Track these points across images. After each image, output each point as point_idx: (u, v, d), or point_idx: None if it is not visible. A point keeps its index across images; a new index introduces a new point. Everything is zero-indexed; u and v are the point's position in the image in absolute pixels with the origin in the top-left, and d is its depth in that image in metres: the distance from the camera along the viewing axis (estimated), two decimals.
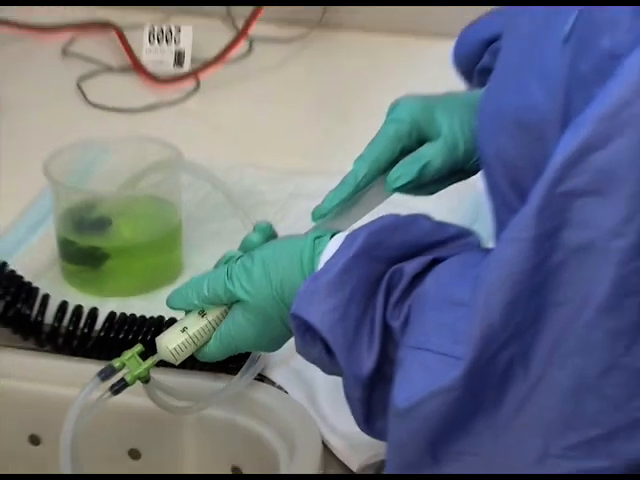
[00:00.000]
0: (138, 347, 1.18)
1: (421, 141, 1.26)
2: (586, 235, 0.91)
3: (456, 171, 1.28)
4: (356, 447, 1.22)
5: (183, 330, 1.17)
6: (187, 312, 1.20)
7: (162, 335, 1.18)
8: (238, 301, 1.15)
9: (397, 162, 1.25)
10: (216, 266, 1.20)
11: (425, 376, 1.00)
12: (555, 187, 0.91)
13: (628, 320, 0.92)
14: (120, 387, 1.16)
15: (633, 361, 0.92)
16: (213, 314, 1.18)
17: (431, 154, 1.24)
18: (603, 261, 0.91)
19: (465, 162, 1.28)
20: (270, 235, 1.22)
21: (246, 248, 1.20)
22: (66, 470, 1.15)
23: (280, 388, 1.29)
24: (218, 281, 1.16)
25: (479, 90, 1.30)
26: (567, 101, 0.97)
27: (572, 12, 0.97)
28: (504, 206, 1.08)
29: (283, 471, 1.21)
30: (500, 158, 1.09)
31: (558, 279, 0.94)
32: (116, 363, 1.17)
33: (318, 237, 1.14)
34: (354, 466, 1.21)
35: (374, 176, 1.25)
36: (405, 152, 1.25)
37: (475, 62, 1.37)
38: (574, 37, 0.96)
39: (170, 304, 1.20)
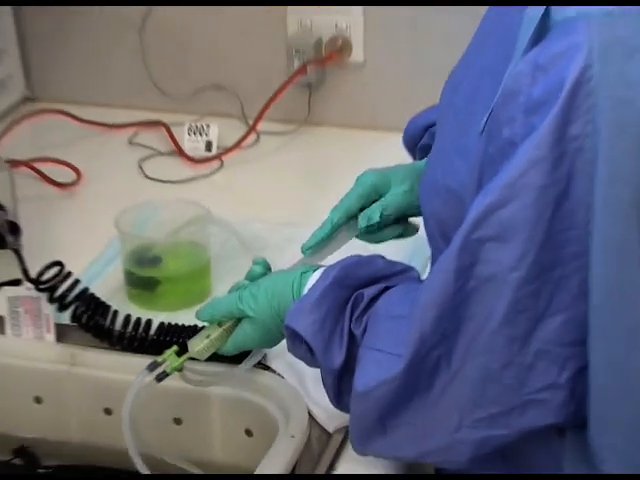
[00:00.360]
0: (174, 348, 1.20)
1: (377, 200, 1.26)
2: (491, 269, 0.92)
3: (401, 218, 1.28)
4: (332, 416, 1.22)
5: (207, 337, 1.20)
6: (210, 323, 1.21)
7: (192, 340, 1.21)
8: (246, 316, 1.17)
9: (358, 213, 1.26)
10: (230, 291, 1.22)
11: (376, 369, 1.01)
12: (470, 235, 0.92)
13: (521, 330, 0.92)
14: (162, 376, 1.18)
15: (524, 360, 0.93)
16: (227, 324, 1.19)
17: (387, 202, 1.25)
18: (503, 288, 0.92)
19: (408, 210, 1.27)
20: (266, 266, 1.23)
21: (251, 277, 1.21)
22: (127, 433, 1.16)
23: (279, 374, 1.28)
24: (232, 302, 1.18)
25: (419, 162, 1.32)
26: (480, 175, 0.96)
27: (485, 112, 0.95)
28: (436, 250, 1.07)
29: (282, 433, 1.20)
30: (434, 215, 1.09)
31: (471, 300, 0.94)
32: (159, 359, 1.19)
33: (304, 272, 1.15)
34: (330, 429, 1.22)
35: (343, 222, 1.25)
36: (364, 208, 1.26)
37: (417, 142, 1.35)
38: (486, 130, 0.95)
39: (199, 317, 1.22)
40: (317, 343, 1.07)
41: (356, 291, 1.09)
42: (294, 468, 1.17)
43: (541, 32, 0.91)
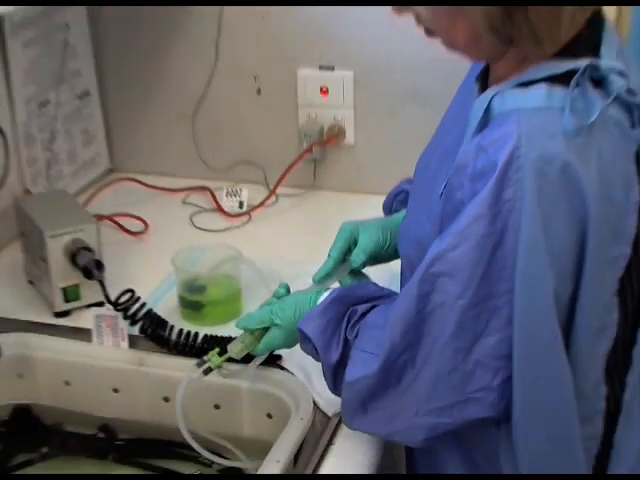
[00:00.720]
0: (216, 349, 1.20)
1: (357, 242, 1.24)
2: (443, 297, 0.92)
3: (377, 258, 1.25)
4: (330, 404, 1.21)
5: (242, 341, 1.19)
6: (245, 331, 1.20)
7: (230, 344, 1.20)
8: (275, 324, 1.16)
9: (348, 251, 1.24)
10: (260, 308, 1.20)
11: (361, 365, 1.00)
12: (428, 269, 0.92)
13: (464, 345, 0.91)
14: (208, 371, 1.19)
15: (466, 367, 0.92)
16: (257, 332, 1.18)
17: (365, 249, 1.22)
18: (451, 312, 0.91)
19: (381, 250, 1.24)
20: (287, 288, 1.22)
21: (277, 296, 1.21)
22: (179, 415, 1.17)
23: (291, 373, 1.27)
24: (265, 314, 1.17)
25: (386, 218, 1.30)
26: (440, 227, 0.95)
27: (443, 181, 0.95)
28: (406, 281, 1.04)
29: (293, 416, 1.20)
30: (406, 257, 1.09)
31: (428, 320, 0.93)
32: (205, 358, 1.20)
33: (318, 292, 1.15)
34: (330, 413, 1.21)
35: (340, 258, 1.23)
36: (351, 248, 1.24)
37: (391, 206, 1.34)
38: (444, 193, 0.94)
39: (238, 326, 1.21)
40: (320, 343, 1.06)
41: (352, 307, 1.08)
42: (302, 442, 1.16)
43: (484, 122, 0.91)
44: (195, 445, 1.18)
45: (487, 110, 0.91)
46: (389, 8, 0.97)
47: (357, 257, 1.23)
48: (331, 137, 1.82)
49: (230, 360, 1.21)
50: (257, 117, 1.87)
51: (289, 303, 1.16)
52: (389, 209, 1.34)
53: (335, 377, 1.07)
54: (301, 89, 1.81)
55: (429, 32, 0.97)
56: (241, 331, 1.22)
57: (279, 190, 1.84)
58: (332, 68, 1.78)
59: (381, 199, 1.36)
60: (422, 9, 0.93)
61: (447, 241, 0.90)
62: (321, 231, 1.66)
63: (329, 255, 1.24)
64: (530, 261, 0.87)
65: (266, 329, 1.18)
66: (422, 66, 1.68)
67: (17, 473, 1.32)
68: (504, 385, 0.92)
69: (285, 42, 1.78)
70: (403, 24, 0.98)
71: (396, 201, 1.32)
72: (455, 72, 1.11)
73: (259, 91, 1.85)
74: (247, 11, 1.77)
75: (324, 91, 1.80)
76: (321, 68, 1.78)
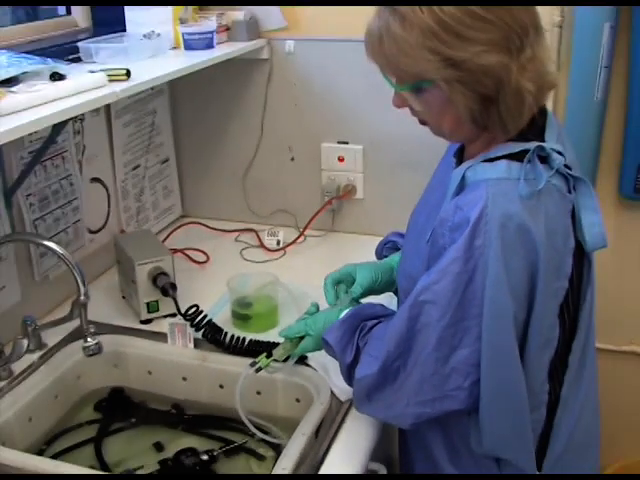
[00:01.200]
0: (264, 353, 1.20)
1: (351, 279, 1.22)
2: (428, 319, 0.91)
3: (371, 291, 1.22)
4: (343, 393, 1.19)
5: (284, 347, 1.18)
6: (285, 339, 1.19)
7: (275, 349, 1.19)
8: (308, 334, 1.15)
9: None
10: (297, 320, 1.19)
11: (366, 366, 1.00)
12: (417, 298, 0.91)
13: (443, 354, 0.91)
14: (258, 370, 1.19)
15: (444, 371, 0.91)
16: (295, 340, 1.17)
17: (360, 283, 1.20)
18: (434, 331, 0.90)
19: (374, 285, 1.22)
20: (317, 307, 1.20)
21: (309, 313, 1.19)
22: (238, 401, 1.15)
23: (314, 369, 1.26)
24: (301, 327, 1.16)
25: (380, 262, 1.26)
26: (427, 266, 0.93)
27: (429, 231, 0.94)
28: (401, 305, 1.01)
29: (315, 401, 1.18)
30: (403, 289, 1.07)
31: (417, 336, 0.92)
32: (257, 359, 1.19)
33: (340, 310, 1.12)
34: (343, 399, 1.19)
35: (332, 287, 1.21)
36: (339, 282, 1.22)
37: (381, 252, 1.31)
38: (430, 241, 0.93)
39: (281, 335, 1.19)
40: (337, 348, 1.06)
41: (363, 322, 1.07)
42: (322, 421, 1.16)
43: (460, 187, 0.92)
44: (247, 421, 1.17)
45: (462, 179, 0.92)
46: (391, 100, 0.97)
47: (355, 289, 1.21)
48: (346, 193, 1.82)
49: (275, 361, 1.21)
50: (291, 178, 1.88)
51: (319, 318, 1.14)
52: (380, 254, 1.32)
53: (349, 374, 1.06)
54: (324, 157, 1.82)
55: (421, 121, 0.99)
56: (280, 338, 1.21)
57: (307, 232, 1.83)
58: (347, 142, 1.78)
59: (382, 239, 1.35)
60: (417, 104, 0.93)
61: (432, 277, 0.90)
62: (338, 263, 1.63)
63: (325, 283, 1.22)
64: (495, 292, 0.86)
65: (301, 338, 1.16)
66: (414, 142, 1.68)
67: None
68: (472, 386, 0.91)
69: (312, 123, 1.79)
70: (400, 112, 0.99)
71: (385, 249, 1.30)
72: (438, 147, 1.12)
73: (293, 159, 1.85)
74: (284, 99, 1.79)
75: (341, 159, 1.80)
76: (339, 142, 1.79)
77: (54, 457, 1.22)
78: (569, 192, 0.91)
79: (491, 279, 0.86)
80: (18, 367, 1.28)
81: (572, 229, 0.91)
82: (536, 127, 0.94)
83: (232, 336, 1.35)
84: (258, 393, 1.32)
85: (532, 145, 0.89)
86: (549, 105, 1.55)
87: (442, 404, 0.93)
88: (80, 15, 1.69)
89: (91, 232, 1.63)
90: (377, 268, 1.23)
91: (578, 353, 0.98)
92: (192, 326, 1.36)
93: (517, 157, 0.90)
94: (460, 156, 1.02)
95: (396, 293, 1.23)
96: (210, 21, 1.59)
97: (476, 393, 0.91)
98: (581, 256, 0.95)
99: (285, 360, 1.21)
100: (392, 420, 1.01)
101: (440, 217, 0.91)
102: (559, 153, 0.90)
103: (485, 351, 0.89)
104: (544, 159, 0.90)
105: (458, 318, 0.89)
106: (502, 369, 0.90)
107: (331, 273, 1.23)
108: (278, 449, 1.21)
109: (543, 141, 0.92)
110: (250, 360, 1.22)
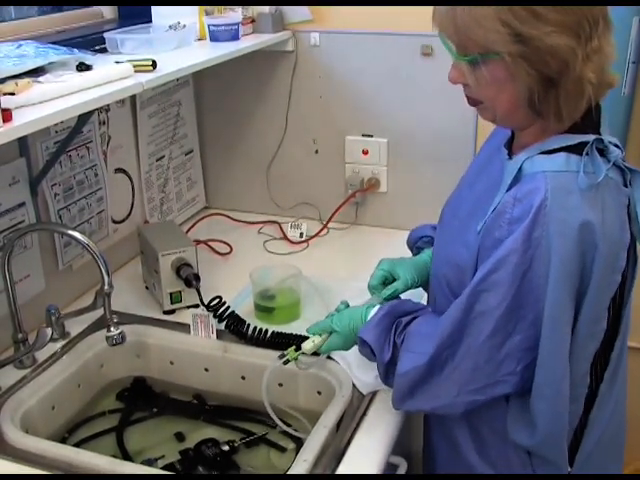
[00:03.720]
0: (293, 347, 1.17)
1: (393, 278, 1.21)
2: (483, 307, 0.90)
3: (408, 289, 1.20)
4: (365, 386, 1.20)
5: (312, 341, 1.16)
6: (314, 334, 1.17)
7: (303, 343, 1.17)
8: (335, 331, 1.13)
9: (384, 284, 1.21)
10: (326, 317, 1.17)
11: (409, 361, 0.99)
12: (476, 287, 0.91)
13: (497, 342, 0.91)
14: (286, 362, 1.17)
15: (497, 358, 0.91)
16: (324, 336, 1.15)
17: (396, 286, 1.18)
18: (489, 318, 0.90)
19: (412, 286, 1.20)
20: (346, 304, 1.17)
21: (338, 309, 1.16)
22: (264, 392, 1.15)
23: (336, 362, 1.25)
24: (328, 323, 1.14)
25: (418, 257, 1.24)
26: (477, 256, 0.94)
27: (480, 221, 0.93)
28: (444, 297, 1.02)
29: (337, 393, 1.18)
30: (442, 276, 1.04)
31: (471, 324, 0.92)
32: (285, 352, 1.17)
33: (368, 307, 1.11)
34: (364, 392, 1.19)
35: (376, 288, 1.20)
36: (384, 282, 1.21)
37: (413, 245, 1.30)
38: (482, 231, 0.93)
39: (309, 331, 1.17)
40: (376, 346, 1.05)
41: (397, 319, 1.06)
42: (343, 413, 1.15)
43: (517, 179, 0.91)
44: (272, 413, 1.16)
45: (519, 171, 0.91)
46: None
47: (399, 286, 1.19)
48: (369, 186, 1.81)
49: (304, 354, 1.19)
50: (315, 170, 1.87)
51: (345, 315, 1.13)
52: (413, 245, 1.31)
53: (387, 371, 1.05)
54: (348, 150, 1.81)
55: (473, 102, 0.95)
56: (307, 332, 1.20)
57: (330, 224, 1.83)
58: (371, 135, 1.78)
59: (405, 233, 1.33)
60: (474, 79, 0.90)
61: (489, 267, 0.90)
62: (361, 256, 1.67)
63: (369, 285, 1.21)
64: (554, 285, 0.87)
65: (329, 334, 1.15)
66: (438, 136, 1.67)
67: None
68: (524, 370, 0.91)
69: (337, 116, 1.79)
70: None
71: (421, 241, 1.29)
72: (463, 141, 1.10)
73: (317, 151, 1.85)
74: (309, 92, 1.78)
75: (365, 152, 1.79)
76: (363, 135, 1.78)
77: (76, 445, 1.22)
78: (625, 186, 0.90)
79: (552, 271, 0.86)
80: (42, 356, 1.28)
81: (628, 223, 0.91)
82: (591, 121, 0.92)
83: (254, 328, 1.34)
84: (280, 385, 1.31)
85: (590, 137, 0.88)
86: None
87: (494, 390, 0.93)
88: (106, 6, 1.69)
89: (115, 222, 1.64)
90: (416, 267, 1.21)
91: (617, 351, 0.98)
92: (215, 317, 1.36)
93: (575, 149, 0.89)
94: (509, 147, 1.00)
95: (425, 289, 1.22)
96: (235, 13, 1.59)
97: (527, 376, 0.92)
98: (633, 251, 0.94)
99: (313, 354, 1.19)
100: (441, 410, 1.00)
101: (497, 209, 0.90)
102: (616, 146, 0.90)
103: (544, 341, 0.89)
104: (601, 152, 0.89)
105: (515, 307, 0.89)
106: (556, 358, 0.90)
107: (374, 277, 1.21)
108: (299, 441, 1.20)
109: (599, 134, 0.91)
110: (273, 352, 1.22)
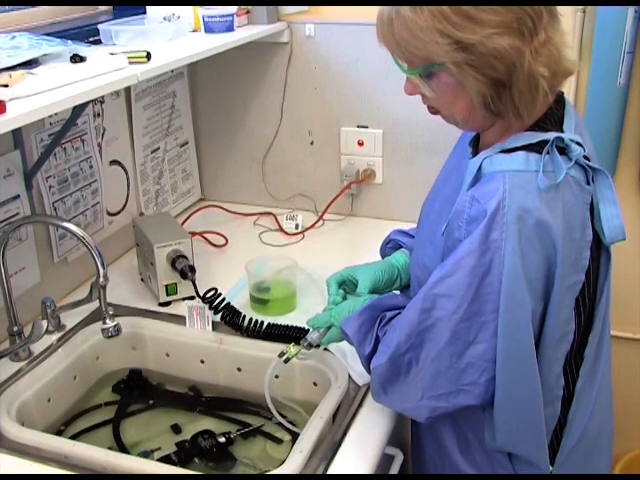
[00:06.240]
0: (293, 343, 1.16)
1: (352, 282, 1.19)
2: (441, 313, 0.89)
3: (376, 291, 1.19)
4: (361, 377, 1.19)
5: (310, 337, 1.15)
6: (313, 328, 1.16)
7: (303, 338, 1.16)
8: (333, 325, 1.13)
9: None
10: (324, 311, 1.16)
11: (381, 356, 0.97)
12: (430, 290, 0.90)
13: (458, 349, 0.89)
14: (287, 360, 1.15)
15: (459, 366, 0.89)
16: (322, 330, 1.15)
17: (363, 284, 1.18)
18: (448, 324, 0.89)
19: (379, 284, 1.19)
20: (344, 296, 1.17)
21: (335, 303, 1.16)
22: (266, 388, 1.14)
23: (332, 353, 1.25)
24: (327, 317, 1.13)
25: (380, 261, 1.23)
26: (442, 258, 0.92)
27: (445, 222, 0.91)
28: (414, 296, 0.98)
29: (333, 385, 1.17)
30: (416, 278, 1.04)
31: (430, 330, 0.91)
32: (285, 350, 1.16)
33: (364, 300, 1.10)
34: (360, 384, 1.19)
35: (334, 288, 1.18)
36: (341, 283, 1.19)
37: (384, 252, 1.29)
38: (445, 232, 0.91)
39: (308, 324, 1.17)
40: (355, 339, 1.04)
41: (383, 312, 1.05)
42: (340, 404, 1.15)
43: (477, 178, 0.90)
44: (273, 410, 1.15)
45: (479, 169, 0.89)
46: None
47: (360, 291, 1.18)
48: (365, 177, 1.81)
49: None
50: (310, 162, 1.87)
51: (344, 308, 1.12)
52: (383, 253, 1.30)
53: (369, 364, 1.04)
54: (343, 142, 1.80)
55: (433, 110, 0.96)
56: (305, 324, 1.20)
57: (325, 216, 1.83)
58: (367, 127, 1.77)
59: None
60: (428, 90, 0.90)
61: (446, 269, 0.88)
62: (356, 247, 1.67)
63: (327, 280, 1.20)
64: (512, 287, 0.85)
65: (328, 328, 1.15)
66: (434, 127, 1.66)
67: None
68: (489, 382, 0.90)
69: (332, 107, 1.78)
70: (420, 96, 0.97)
71: (387, 248, 1.28)
72: (458, 133, 1.10)
73: (312, 143, 1.84)
74: (304, 83, 1.78)
75: (360, 143, 1.79)
76: (358, 126, 1.78)
77: (72, 438, 1.22)
78: (588, 184, 0.88)
79: (508, 274, 0.84)
80: (37, 348, 1.28)
81: (590, 221, 0.89)
82: (554, 116, 0.91)
83: (250, 319, 1.34)
84: (276, 377, 1.29)
85: (550, 135, 0.87)
86: (571, 91, 1.54)
87: (457, 398, 0.92)
88: None
89: (110, 214, 1.63)
90: (377, 268, 1.20)
91: (594, 346, 0.96)
92: (210, 309, 1.36)
93: (535, 148, 0.87)
94: (475, 145, 1.00)
95: (401, 291, 1.22)
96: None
97: (492, 389, 0.90)
98: (598, 248, 0.92)
99: (313, 347, 1.19)
100: (408, 412, 1.00)
101: (456, 209, 0.88)
102: (578, 144, 0.88)
103: (501, 346, 0.87)
104: (562, 150, 0.87)
105: (473, 312, 0.87)
106: (518, 365, 0.88)
107: (333, 275, 1.20)
108: (295, 433, 1.20)
109: (561, 131, 0.89)
110: (269, 344, 1.22)
